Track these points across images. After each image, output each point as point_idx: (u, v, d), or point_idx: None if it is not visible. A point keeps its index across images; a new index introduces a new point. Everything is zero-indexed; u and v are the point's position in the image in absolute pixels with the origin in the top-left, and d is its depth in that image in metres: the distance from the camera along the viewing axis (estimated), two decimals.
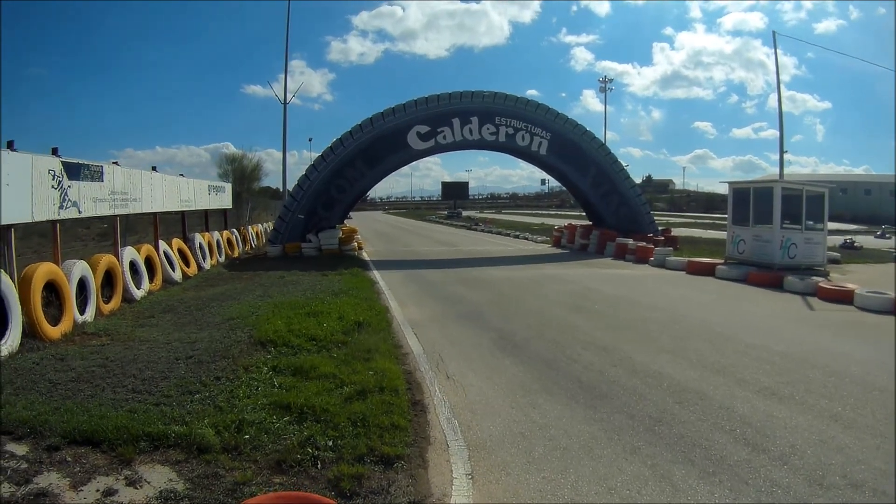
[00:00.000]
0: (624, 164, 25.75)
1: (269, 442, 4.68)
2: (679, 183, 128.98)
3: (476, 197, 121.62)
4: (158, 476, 4.13)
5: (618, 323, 10.24)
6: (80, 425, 4.70)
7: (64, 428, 4.67)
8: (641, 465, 4.68)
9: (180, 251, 14.27)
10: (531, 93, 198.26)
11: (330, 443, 4.69)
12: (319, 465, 4.35)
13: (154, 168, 13.23)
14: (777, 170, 32.12)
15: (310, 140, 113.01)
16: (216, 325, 8.54)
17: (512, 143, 24.00)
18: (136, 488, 3.96)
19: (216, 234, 18.27)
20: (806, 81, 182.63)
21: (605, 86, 68.66)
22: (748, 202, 18.70)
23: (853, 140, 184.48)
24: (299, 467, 4.32)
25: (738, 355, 8.08)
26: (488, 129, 23.41)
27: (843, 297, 13.02)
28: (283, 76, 36.22)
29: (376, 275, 16.19)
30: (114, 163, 10.83)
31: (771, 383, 6.85)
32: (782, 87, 32.89)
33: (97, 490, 3.91)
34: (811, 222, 18.21)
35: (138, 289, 11.01)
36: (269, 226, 29.71)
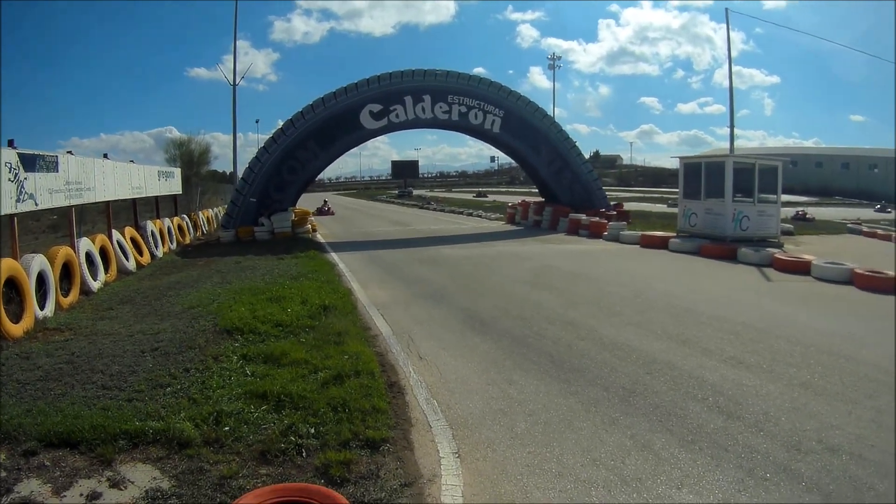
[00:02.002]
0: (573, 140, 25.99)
1: (250, 433, 4.61)
2: (626, 158, 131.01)
3: (426, 175, 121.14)
4: (141, 475, 4.02)
5: (580, 298, 10.41)
6: (55, 427, 4.54)
7: (39, 431, 4.51)
8: (622, 436, 4.81)
9: (133, 240, 13.86)
10: (478, 70, 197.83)
11: (312, 430, 4.64)
12: (304, 454, 4.31)
13: (106, 155, 12.83)
14: (723, 144, 33.11)
15: (257, 122, 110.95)
16: (177, 315, 8.35)
17: (465, 122, 23.97)
18: (121, 489, 3.86)
19: (167, 221, 17.81)
20: (754, 56, 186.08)
21: (554, 63, 69.02)
22: (699, 176, 19.15)
23: (804, 114, 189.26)
24: (284, 457, 4.27)
25: (702, 326, 8.32)
26: (441, 107, 23.33)
27: (800, 268, 13.40)
28: (233, 57, 35.42)
29: (334, 257, 16.06)
30: (68, 152, 10.47)
31: (737, 353, 7.08)
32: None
33: (81, 494, 3.79)
34: (765, 195, 18.74)
35: (95, 280, 10.68)
36: (220, 210, 29.09)
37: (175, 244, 18.09)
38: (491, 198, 59.29)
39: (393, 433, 4.72)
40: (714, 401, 5.59)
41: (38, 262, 8.62)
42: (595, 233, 21.35)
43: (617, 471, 4.26)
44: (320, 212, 37.90)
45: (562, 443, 4.70)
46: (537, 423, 5.09)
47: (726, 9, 31.87)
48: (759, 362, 6.75)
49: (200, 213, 24.42)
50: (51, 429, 4.52)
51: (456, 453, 4.51)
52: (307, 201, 24.59)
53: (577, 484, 4.09)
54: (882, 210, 41.13)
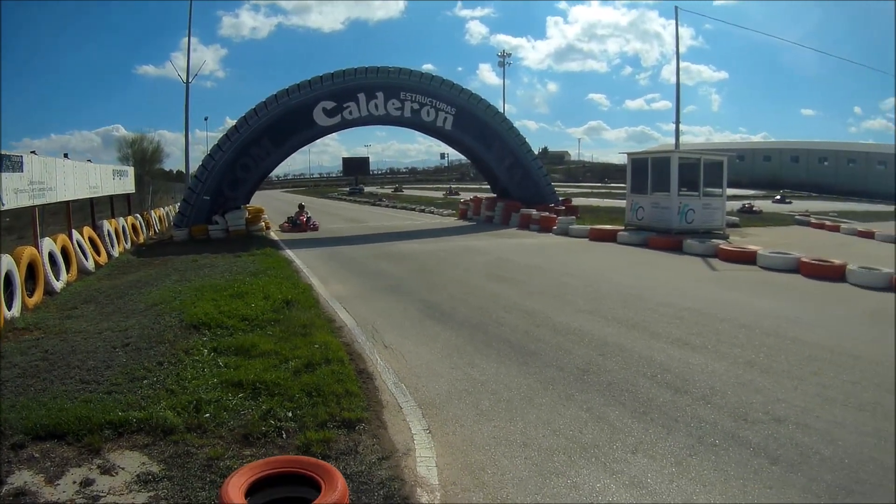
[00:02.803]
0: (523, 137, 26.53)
1: (230, 418, 4.85)
2: (574, 154, 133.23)
3: (376, 172, 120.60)
4: (130, 461, 4.21)
5: (534, 288, 10.85)
6: (40, 420, 4.66)
7: (25, 424, 4.62)
8: (579, 410, 5.24)
9: (91, 240, 13.76)
10: (428, 67, 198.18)
11: (290, 413, 4.92)
12: (285, 435, 4.58)
13: (66, 155, 12.75)
14: (670, 139, 33.88)
15: (205, 119, 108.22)
16: (142, 313, 8.44)
17: (417, 119, 24.24)
18: (112, 475, 4.03)
19: (122, 221, 17.62)
20: (702, 52, 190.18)
21: (504, 60, 69.57)
22: (646, 171, 19.88)
23: (752, 108, 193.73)
24: (266, 438, 4.53)
25: (650, 312, 8.83)
26: (394, 104, 23.51)
27: (745, 258, 14.06)
28: (186, 55, 34.80)
29: (290, 254, 16.15)
30: (31, 153, 10.40)
31: (683, 335, 7.59)
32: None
33: (74, 482, 3.95)
34: (710, 189, 19.53)
35: (58, 281, 10.62)
36: (171, 209, 28.70)
37: (130, 243, 17.90)
38: (442, 194, 59.60)
39: (367, 414, 5.03)
40: (663, 378, 6.07)
41: (6, 262, 8.58)
42: (545, 227, 21.91)
43: (576, 439, 4.69)
44: (294, 224, 24.37)
45: (524, 417, 5.11)
46: (500, 400, 5.49)
47: (675, 7, 32.67)
48: (705, 343, 7.27)
49: (153, 212, 24.12)
50: (37, 422, 4.63)
51: (427, 430, 4.87)
52: (258, 199, 24.46)
53: (540, 452, 4.49)
54: (781, 201, 40.46)
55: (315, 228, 24.42)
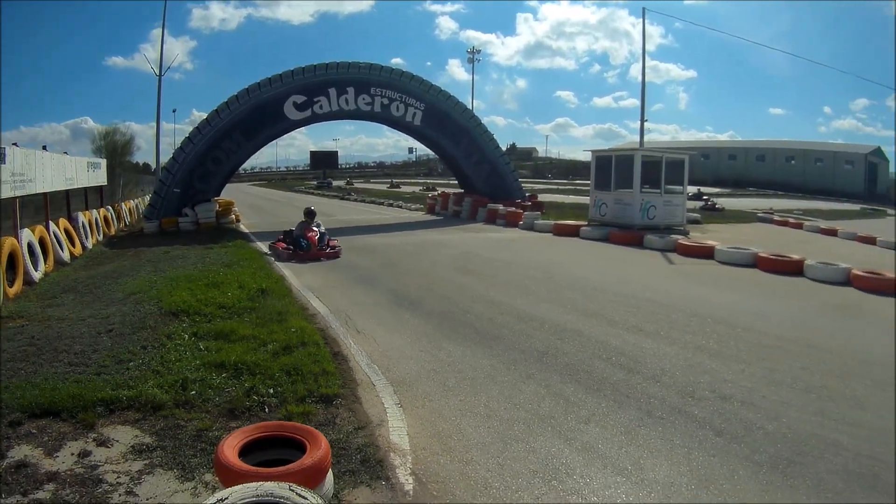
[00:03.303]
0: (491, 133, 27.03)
1: (215, 395, 5.20)
2: (542, 151, 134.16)
3: (343, 166, 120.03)
4: (124, 434, 4.50)
5: (499, 280, 11.33)
6: (35, 399, 4.91)
7: (20, 403, 4.85)
8: (538, 386, 5.74)
9: (66, 231, 13.89)
10: (397, 61, 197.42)
11: (271, 390, 5.30)
12: (267, 410, 4.97)
13: (45, 147, 12.87)
14: (636, 137, 34.41)
15: (174, 111, 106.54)
16: (121, 301, 8.69)
17: (387, 114, 24.53)
18: (108, 447, 4.32)
19: (95, 213, 17.68)
20: (672, 51, 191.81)
21: (473, 56, 70.00)
22: (610, 169, 20.49)
23: (719, 107, 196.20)
24: (250, 412, 4.91)
25: (608, 302, 9.37)
26: (364, 99, 23.79)
27: (703, 253, 14.63)
28: (159, 47, 34.38)
29: (261, 246, 16.38)
30: (13, 144, 10.54)
31: (638, 323, 8.13)
32: (646, 56, 35.07)
33: (72, 454, 4.20)
34: (671, 186, 20.22)
35: (36, 271, 10.79)
36: (140, 202, 28.62)
37: (102, 235, 17.96)
38: (410, 189, 59.89)
39: (343, 390, 5.46)
40: (617, 360, 6.59)
41: None
42: (511, 222, 22.44)
43: (534, 411, 5.19)
44: (300, 248, 14.45)
45: (487, 392, 5.60)
46: (465, 378, 5.98)
47: (643, 7, 33.45)
48: (658, 330, 7.81)
49: (123, 205, 24.09)
50: (32, 401, 4.87)
51: (398, 404, 5.31)
52: (226, 193, 24.40)
53: (502, 422, 4.98)
54: (710, 207, 33.07)
55: (335, 254, 14.54)
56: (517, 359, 6.54)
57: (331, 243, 14.85)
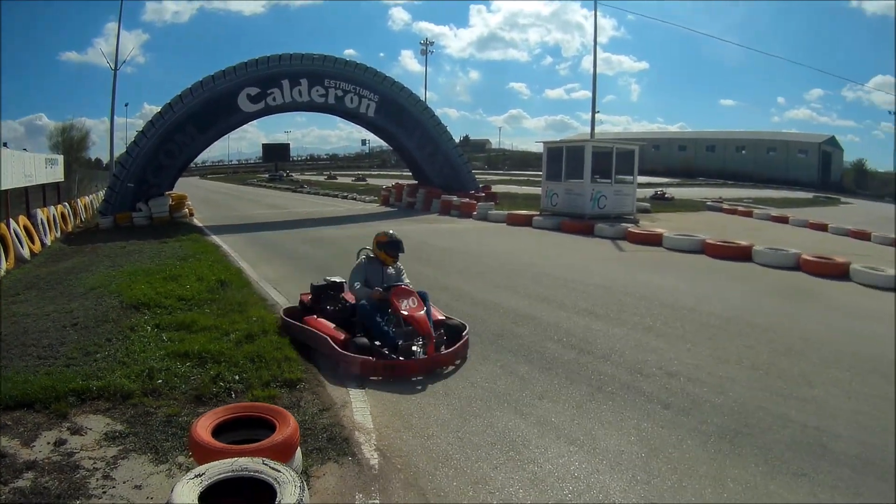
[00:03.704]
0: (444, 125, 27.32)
1: (182, 383, 5.39)
2: (495, 142, 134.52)
3: (296, 158, 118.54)
4: (96, 423, 4.66)
5: (454, 268, 11.68)
6: (8, 392, 5.01)
7: None
8: (493, 366, 6.13)
9: (26, 228, 13.73)
10: (349, 52, 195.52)
11: (236, 377, 5.53)
12: (234, 395, 5.20)
13: (6, 144, 12.79)
14: (588, 128, 34.93)
15: (126, 105, 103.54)
16: (83, 296, 8.73)
17: (341, 105, 24.63)
18: (83, 435, 4.48)
19: (52, 209, 17.43)
20: (624, 43, 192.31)
21: (427, 48, 69.81)
22: (561, 160, 20.98)
23: (671, 98, 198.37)
24: (217, 398, 5.13)
25: (559, 288, 9.78)
26: (318, 90, 23.83)
27: (652, 240, 15.18)
28: (115, 41, 33.56)
29: (216, 239, 16.40)
30: None
31: (588, 306, 8.56)
32: (598, 48, 35.64)
33: (48, 443, 4.35)
34: (622, 176, 20.81)
35: None
36: (95, 198, 28.13)
37: (60, 232, 17.72)
38: (363, 181, 59.81)
39: (306, 375, 5.73)
40: (568, 341, 7.00)
41: None
42: (466, 213, 22.83)
43: (491, 389, 5.56)
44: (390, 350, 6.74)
45: (445, 374, 5.95)
46: None
47: (595, 1, 33.82)
48: (608, 313, 8.25)
49: (79, 201, 23.68)
50: (5, 394, 4.98)
51: (360, 386, 5.60)
52: (179, 187, 24.12)
53: (460, 399, 5.33)
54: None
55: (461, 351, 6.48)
56: (473, 342, 6.84)
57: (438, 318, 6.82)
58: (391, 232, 6.98)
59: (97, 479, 3.88)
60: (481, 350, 6.65)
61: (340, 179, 65.42)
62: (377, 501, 3.77)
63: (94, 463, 4.10)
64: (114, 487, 3.81)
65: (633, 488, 3.94)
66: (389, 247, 6.91)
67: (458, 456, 4.33)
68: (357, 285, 6.77)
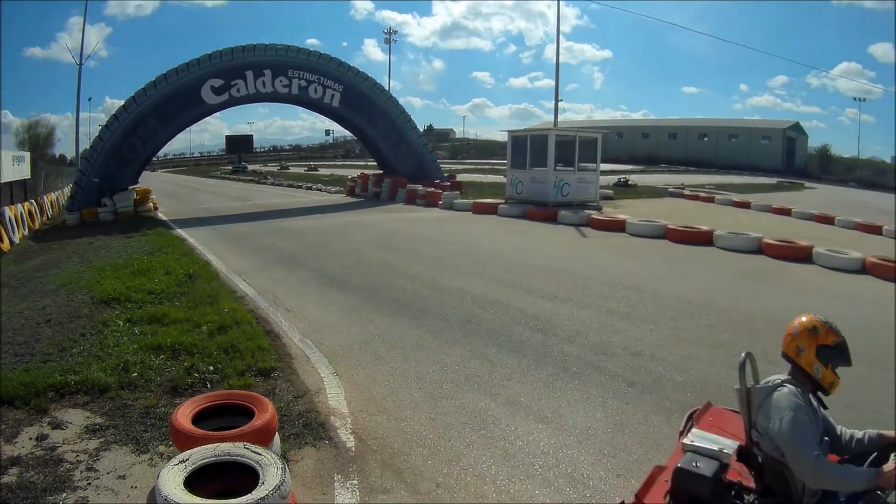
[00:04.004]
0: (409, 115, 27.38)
1: (157, 375, 5.50)
2: (459, 132, 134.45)
3: (259, 150, 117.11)
4: (76, 417, 4.75)
5: (421, 256, 11.88)
6: None
7: None
8: (462, 350, 6.35)
9: None
10: (312, 41, 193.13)
11: (211, 367, 5.66)
12: (209, 385, 5.32)
13: None
14: (552, 116, 35.07)
15: (89, 100, 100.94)
16: (54, 293, 8.73)
17: (305, 96, 24.53)
18: (63, 429, 4.56)
19: (20, 206, 17.14)
20: (587, 31, 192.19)
21: (390, 37, 69.29)
22: (525, 148, 21.19)
23: (634, 86, 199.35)
24: (193, 389, 5.24)
25: (524, 273, 10.04)
26: (281, 81, 23.68)
27: (615, 227, 15.52)
28: (81, 35, 32.72)
29: (182, 233, 16.33)
30: None
31: (553, 291, 8.83)
32: (561, 37, 35.73)
33: (30, 438, 4.42)
34: (584, 164, 21.09)
35: None
36: (60, 194, 27.66)
37: (27, 229, 17.44)
38: (328, 171, 59.49)
39: (279, 364, 5.89)
40: (535, 324, 7.25)
41: None
42: (431, 202, 22.97)
43: (461, 372, 5.78)
44: None
45: (416, 358, 6.16)
46: (395, 347, 6.51)
47: None
48: (572, 297, 8.52)
49: (45, 198, 23.26)
50: None
51: (334, 373, 5.78)
52: (143, 181, 23.79)
53: (431, 383, 5.54)
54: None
55: None
56: (442, 327, 7.10)
57: None
58: (832, 323, 2.96)
59: (81, 472, 3.99)
60: (450, 336, 6.86)
61: (293, 169, 65.19)
62: (355, 482, 3.94)
63: (77, 456, 4.20)
64: (98, 479, 3.92)
65: (601, 462, 4.19)
66: (838, 355, 2.95)
67: (432, 436, 4.54)
68: (817, 457, 2.69)
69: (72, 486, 3.83)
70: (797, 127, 76.23)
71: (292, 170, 67.18)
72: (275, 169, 70.78)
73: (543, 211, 18.50)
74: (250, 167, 75.63)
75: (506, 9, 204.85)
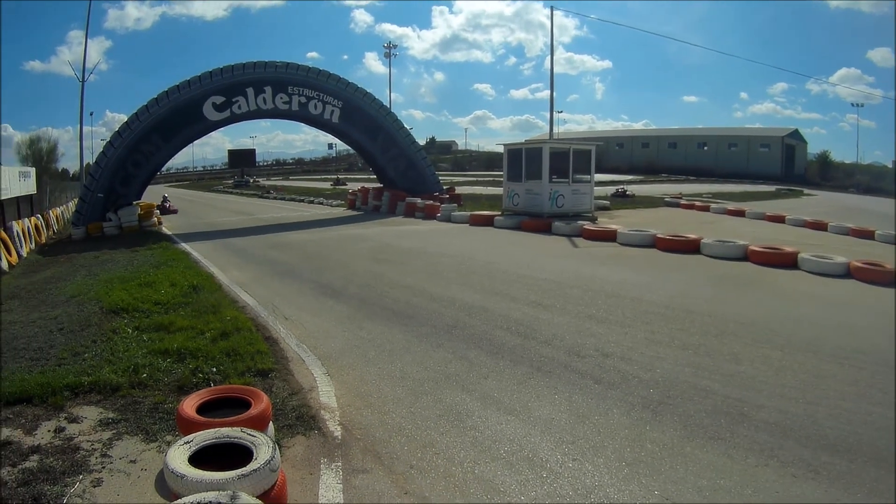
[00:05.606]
0: (409, 127, 27.99)
1: (164, 376, 6.01)
2: (461, 144, 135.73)
3: (262, 163, 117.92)
4: (90, 412, 5.24)
5: (414, 268, 12.38)
6: (7, 389, 5.54)
7: None
8: (445, 353, 6.86)
9: (2, 241, 14.10)
10: (312, 55, 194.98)
11: (214, 369, 6.16)
12: (212, 384, 5.83)
13: None
14: (554, 128, 35.70)
15: (91, 114, 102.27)
16: (64, 303, 9.22)
17: (305, 112, 25.14)
18: (79, 423, 5.06)
19: (27, 221, 17.72)
20: (587, 42, 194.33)
21: (390, 51, 70.20)
22: (521, 161, 21.73)
23: (634, 96, 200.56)
24: (197, 387, 5.73)
25: (512, 283, 10.52)
26: (282, 98, 24.33)
27: (607, 236, 15.94)
28: (83, 50, 33.64)
29: (186, 247, 16.84)
30: None
31: (537, 298, 9.31)
32: (561, 48, 36.44)
33: (48, 431, 4.91)
34: (579, 175, 21.62)
35: None
36: (65, 209, 28.24)
37: (34, 244, 18.03)
38: (330, 185, 60.14)
39: (276, 366, 6.40)
40: (515, 329, 7.73)
41: None
42: (430, 214, 23.52)
43: (442, 372, 6.29)
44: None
45: (402, 360, 6.67)
46: (383, 351, 7.02)
47: (551, 7, 34.76)
48: (554, 304, 8.99)
49: (51, 212, 23.84)
50: (4, 391, 5.52)
51: (326, 373, 6.30)
52: (148, 195, 24.36)
53: (414, 381, 6.06)
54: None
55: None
56: (429, 332, 7.61)
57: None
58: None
59: (96, 458, 4.49)
60: (435, 340, 7.37)
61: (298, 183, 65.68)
62: (339, 463, 4.46)
63: (92, 444, 4.70)
64: (111, 463, 4.43)
65: (560, 447, 4.66)
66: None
67: (410, 426, 5.04)
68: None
69: (88, 469, 4.32)
70: (796, 134, 76.72)
71: (297, 184, 67.87)
72: (277, 183, 71.54)
73: (538, 222, 19.00)
74: (252, 181, 76.37)
75: (505, 20, 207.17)
